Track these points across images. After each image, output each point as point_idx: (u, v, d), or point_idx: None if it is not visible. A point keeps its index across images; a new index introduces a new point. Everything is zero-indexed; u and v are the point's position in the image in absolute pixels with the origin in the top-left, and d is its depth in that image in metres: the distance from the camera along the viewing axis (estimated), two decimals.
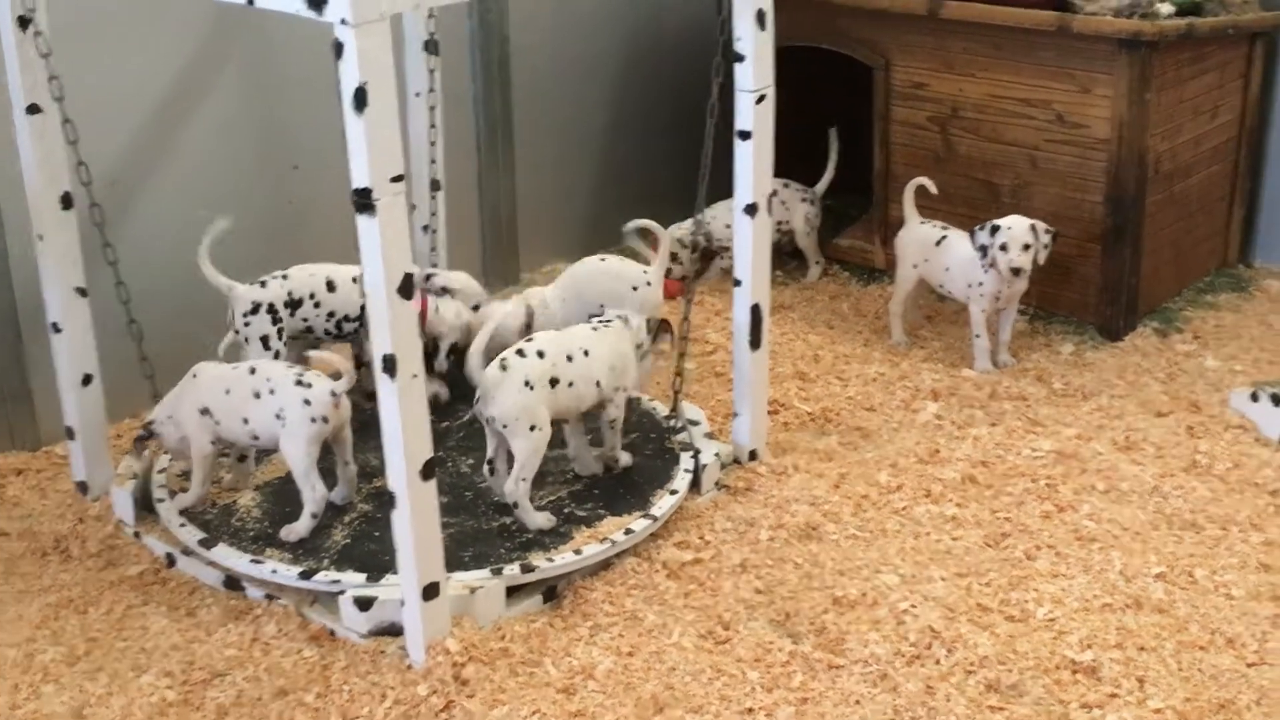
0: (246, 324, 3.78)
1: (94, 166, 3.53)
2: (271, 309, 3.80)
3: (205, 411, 3.43)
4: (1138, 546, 3.49)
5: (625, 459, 3.72)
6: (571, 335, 3.58)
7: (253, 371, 3.45)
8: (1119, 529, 3.57)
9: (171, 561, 3.48)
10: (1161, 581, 3.33)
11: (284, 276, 3.88)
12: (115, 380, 3.76)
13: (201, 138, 4.25)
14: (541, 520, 3.43)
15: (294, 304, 3.86)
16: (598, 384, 3.54)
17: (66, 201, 3.50)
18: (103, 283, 3.63)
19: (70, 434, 3.70)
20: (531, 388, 3.37)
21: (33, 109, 3.39)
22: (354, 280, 3.84)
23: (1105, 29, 4.38)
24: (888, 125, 5.05)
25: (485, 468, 3.53)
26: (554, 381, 3.42)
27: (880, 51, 4.95)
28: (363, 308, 3.69)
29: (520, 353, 3.43)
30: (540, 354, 3.43)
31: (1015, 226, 4.29)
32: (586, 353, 3.52)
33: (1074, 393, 4.34)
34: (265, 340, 3.78)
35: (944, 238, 4.53)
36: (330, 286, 3.90)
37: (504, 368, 3.39)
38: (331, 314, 3.92)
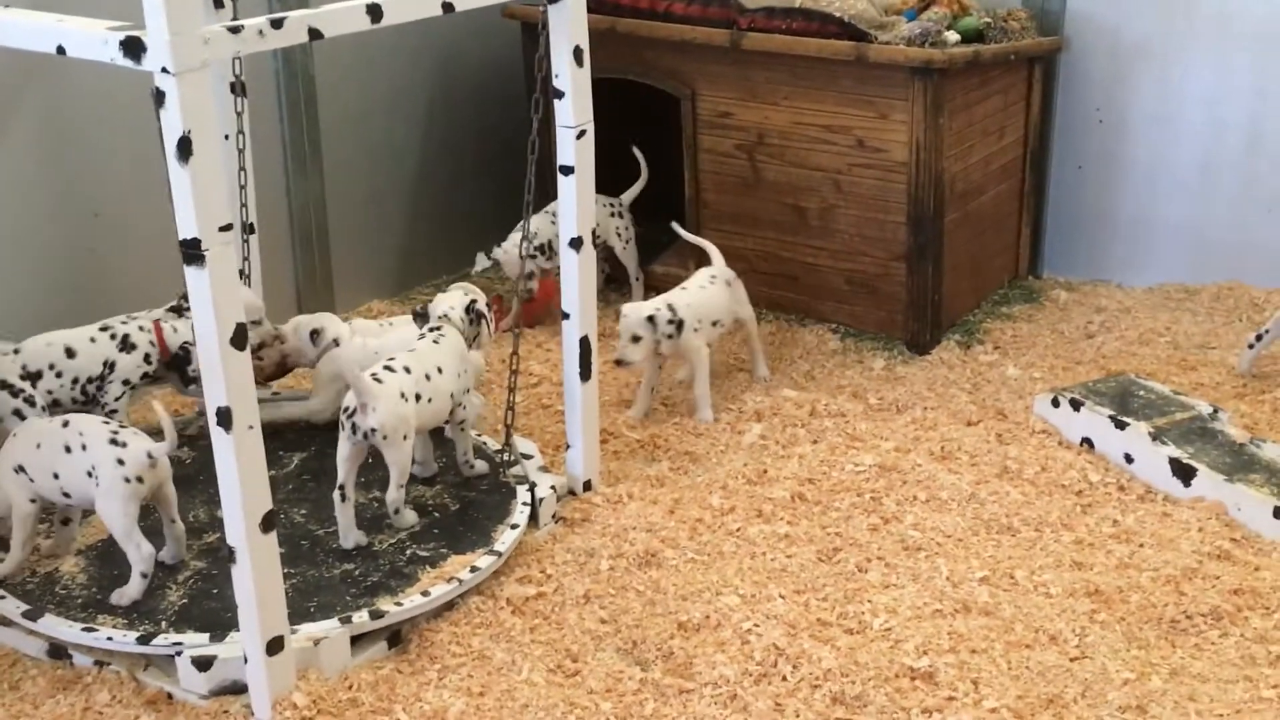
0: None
1: None
2: (5, 385, 3.66)
3: (20, 469, 3.29)
4: (961, 552, 3.65)
5: (480, 466, 3.86)
6: (425, 353, 3.64)
7: (65, 425, 3.31)
8: (942, 536, 3.72)
9: None
10: (985, 585, 3.49)
11: (15, 351, 3.74)
12: None
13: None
14: (412, 518, 3.61)
15: (31, 376, 3.72)
16: (451, 395, 3.66)
17: None
18: None
19: None
20: (405, 399, 3.47)
21: None
22: (91, 340, 3.78)
23: (899, 58, 4.58)
24: (696, 153, 5.16)
25: (336, 493, 3.49)
26: (418, 397, 3.52)
27: (686, 82, 5.06)
28: (105, 364, 3.77)
29: (389, 368, 3.52)
30: (407, 369, 3.53)
31: (630, 315, 4.28)
32: (440, 370, 3.62)
33: (889, 407, 4.50)
34: (18, 414, 3.64)
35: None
36: (70, 353, 3.78)
37: (379, 380, 3.44)
38: (75, 380, 3.79)
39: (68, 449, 3.27)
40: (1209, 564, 3.55)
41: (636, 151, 5.16)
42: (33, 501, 3.32)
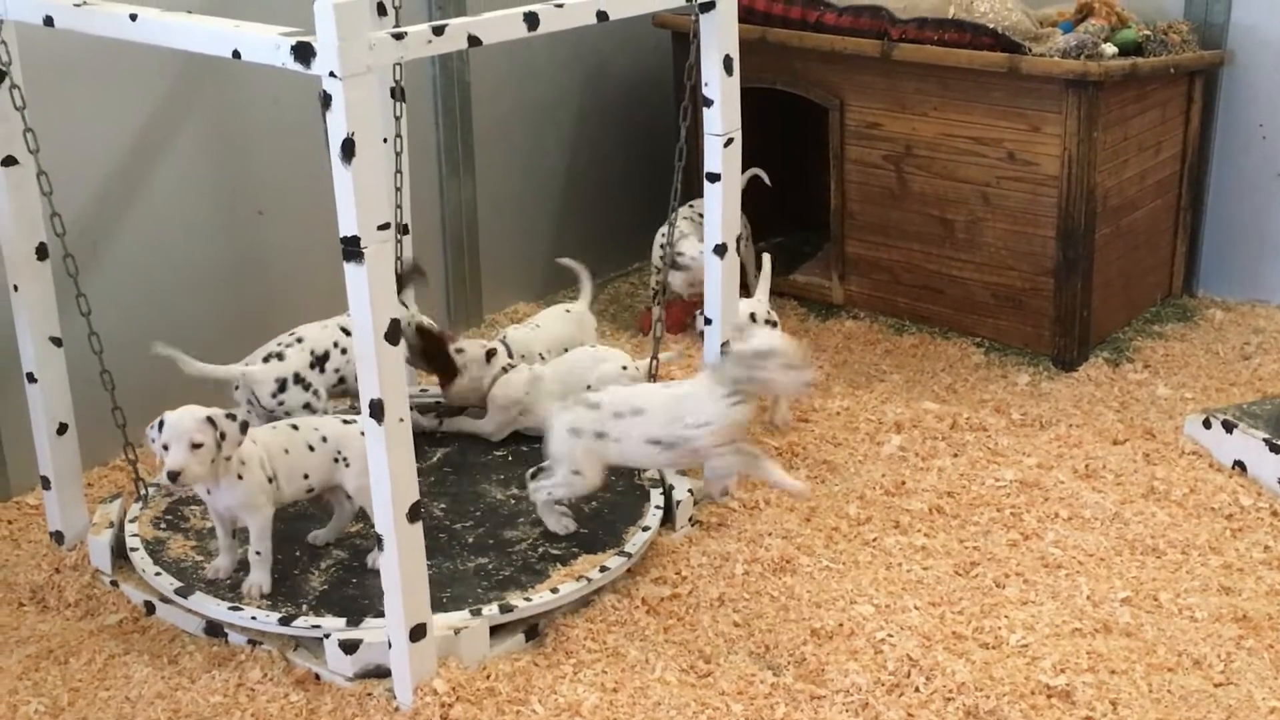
0: (280, 403, 3.81)
1: (66, 217, 3.54)
2: (299, 378, 3.83)
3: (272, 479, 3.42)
4: (1103, 572, 3.59)
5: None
6: (632, 392, 3.68)
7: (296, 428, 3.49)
8: (1084, 555, 3.67)
9: (151, 609, 3.48)
10: (1128, 606, 3.43)
11: (298, 340, 3.89)
12: (86, 429, 3.75)
13: (169, 186, 4.27)
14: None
15: (320, 360, 3.87)
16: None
17: (41, 252, 3.51)
18: (76, 332, 3.63)
19: (46, 483, 3.69)
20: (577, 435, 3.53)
21: (8, 161, 3.39)
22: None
23: (1053, 70, 4.52)
24: (843, 164, 5.15)
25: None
26: (599, 435, 3.54)
27: (835, 92, 5.07)
28: None
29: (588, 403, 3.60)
30: (596, 405, 3.55)
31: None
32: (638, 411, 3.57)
33: (1032, 423, 4.44)
34: (308, 408, 3.82)
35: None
36: (348, 332, 3.87)
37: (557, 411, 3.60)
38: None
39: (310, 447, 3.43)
40: None
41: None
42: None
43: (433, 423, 4.21)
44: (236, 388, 3.84)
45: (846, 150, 5.13)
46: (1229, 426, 4.13)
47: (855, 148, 5.10)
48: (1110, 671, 3.16)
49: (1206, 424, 4.21)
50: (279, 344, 3.88)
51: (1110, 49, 4.66)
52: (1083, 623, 3.36)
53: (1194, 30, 5.07)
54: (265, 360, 3.83)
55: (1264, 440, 4.00)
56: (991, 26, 4.64)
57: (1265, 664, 3.18)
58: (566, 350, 4.34)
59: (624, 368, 4.12)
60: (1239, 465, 4.09)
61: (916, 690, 3.11)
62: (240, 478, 3.28)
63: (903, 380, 4.78)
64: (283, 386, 3.80)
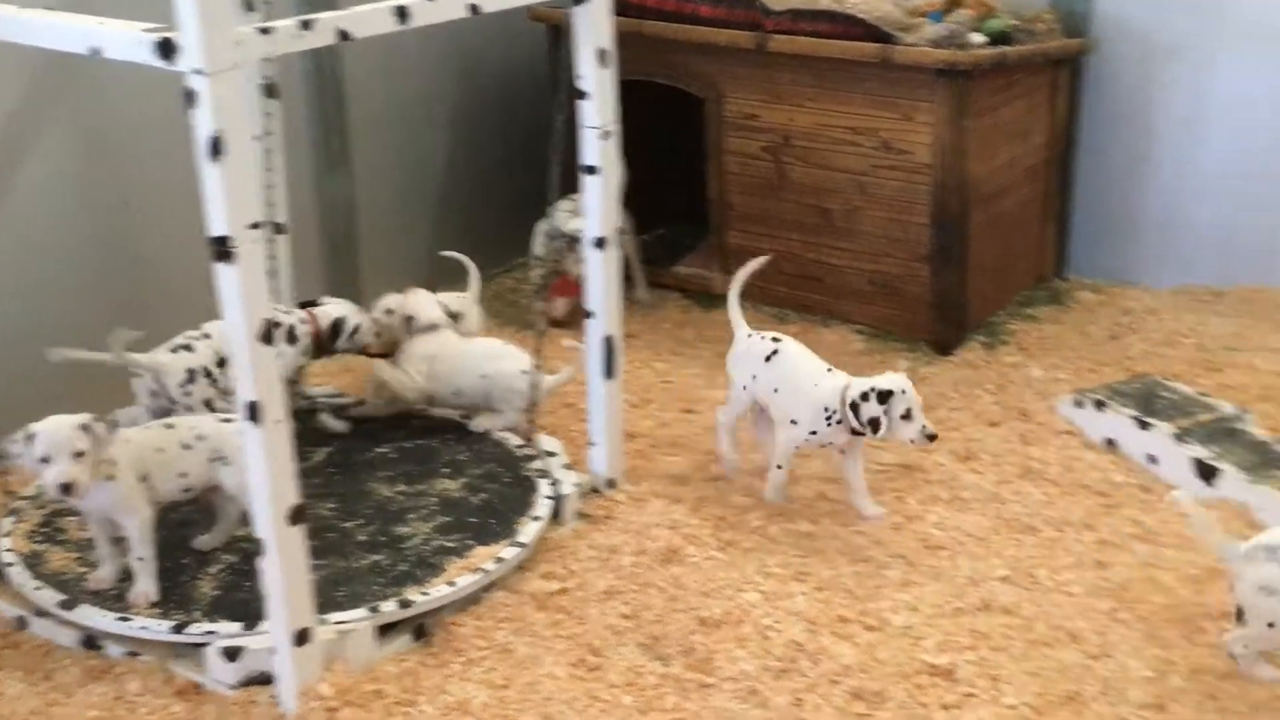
0: (187, 394, 3.72)
1: None
2: (208, 373, 3.76)
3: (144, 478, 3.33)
4: (982, 551, 3.66)
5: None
6: None
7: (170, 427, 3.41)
8: (964, 535, 3.74)
9: (23, 625, 3.38)
10: (1007, 584, 3.50)
11: (206, 336, 3.82)
12: None
13: (32, 184, 4.14)
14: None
15: (225, 360, 3.77)
16: None
17: None
18: None
19: None
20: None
21: None
22: None
23: (924, 59, 4.60)
24: (721, 155, 5.18)
25: None
26: None
27: (712, 84, 5.09)
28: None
29: None
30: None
31: (900, 384, 3.66)
32: None
33: None
34: (209, 404, 3.74)
35: (775, 352, 3.94)
36: None
37: None
38: None
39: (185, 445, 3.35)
40: None
41: None
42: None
43: (340, 424, 4.15)
44: (138, 377, 3.76)
45: (725, 142, 5.16)
46: (1100, 405, 4.24)
47: (733, 139, 5.14)
48: (991, 648, 3.23)
49: (1079, 404, 4.32)
50: (187, 338, 3.82)
51: (979, 38, 4.75)
52: (964, 602, 3.43)
53: (1059, 19, 5.19)
54: (174, 351, 3.77)
55: (1133, 418, 4.12)
56: (863, 17, 4.70)
57: (1138, 635, 3.27)
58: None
59: (523, 371, 4.10)
60: (1110, 443, 4.20)
61: (803, 674, 3.14)
62: (110, 479, 3.20)
63: None
64: (191, 378, 3.73)
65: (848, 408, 3.67)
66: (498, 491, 3.79)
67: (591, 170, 3.66)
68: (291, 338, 4.00)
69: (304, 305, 4.16)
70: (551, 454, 3.98)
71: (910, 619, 3.35)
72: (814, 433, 3.76)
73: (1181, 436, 4.00)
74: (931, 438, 3.64)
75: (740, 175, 5.18)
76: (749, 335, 4.04)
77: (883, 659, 3.19)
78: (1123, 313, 5.25)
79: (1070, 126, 5.44)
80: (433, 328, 4.24)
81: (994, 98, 4.85)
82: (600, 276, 3.76)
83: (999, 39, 4.84)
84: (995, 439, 4.28)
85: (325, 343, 4.12)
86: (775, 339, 3.97)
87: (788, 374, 3.86)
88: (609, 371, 3.85)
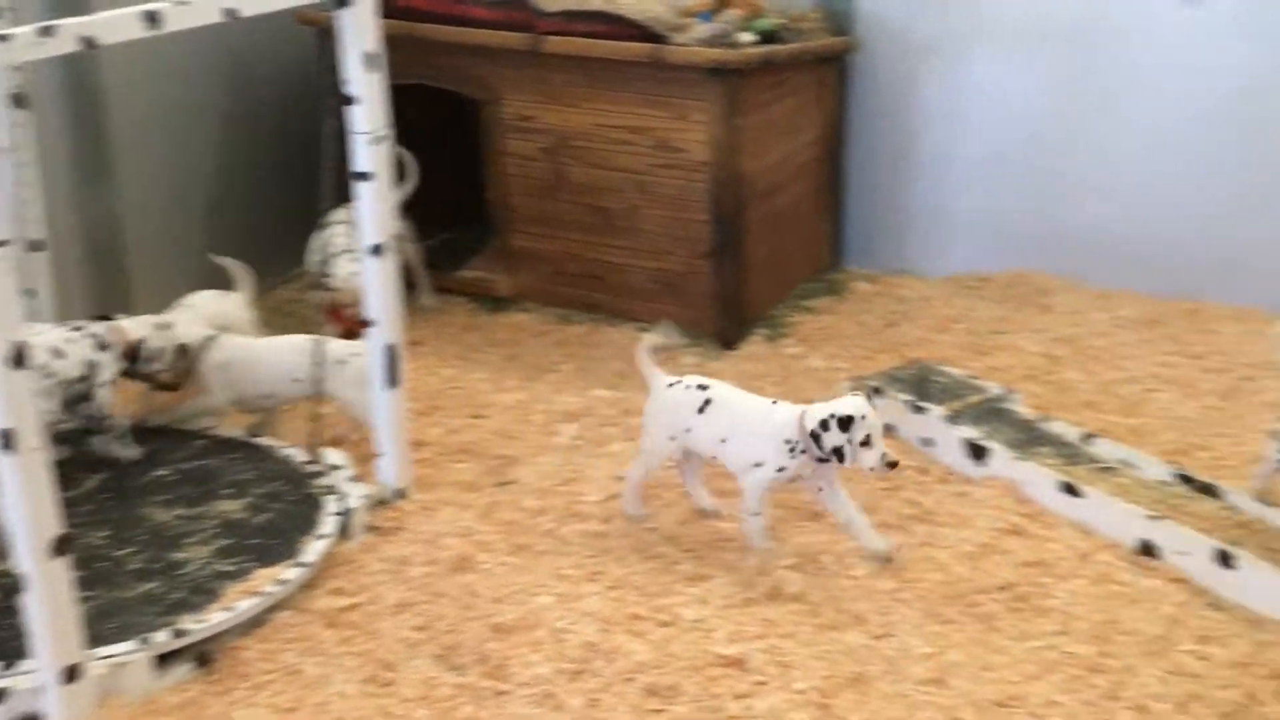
0: None
1: None
2: None
3: None
4: (770, 540, 3.73)
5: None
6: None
7: None
8: None
9: None
10: (794, 571, 3.57)
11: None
12: None
13: None
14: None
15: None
16: None
17: None
18: None
19: None
20: None
21: None
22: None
23: (695, 59, 4.66)
24: (501, 157, 5.16)
25: None
26: None
27: (488, 87, 5.06)
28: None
29: None
30: None
31: (860, 409, 3.46)
32: None
33: None
34: None
35: (708, 401, 3.66)
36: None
37: None
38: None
39: None
40: (1003, 539, 3.70)
41: (404, 152, 5.03)
42: None
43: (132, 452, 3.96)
44: None
45: (503, 144, 5.14)
46: (877, 391, 4.37)
47: (512, 141, 5.12)
48: (780, 636, 3.29)
49: (856, 391, 4.44)
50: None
51: (748, 37, 4.85)
52: (754, 592, 3.49)
53: (824, 18, 5.34)
54: None
55: (908, 402, 4.26)
56: (634, 18, 4.74)
57: (918, 614, 3.38)
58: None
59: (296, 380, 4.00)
60: (889, 428, 4.32)
61: (597, 675, 3.15)
62: None
63: (574, 370, 4.83)
64: None
65: (809, 437, 3.47)
66: (282, 510, 3.69)
67: (364, 176, 3.59)
68: (102, 345, 3.83)
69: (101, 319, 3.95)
70: (338, 467, 3.89)
71: (701, 612, 3.39)
72: (782, 469, 3.52)
73: (953, 419, 4.15)
74: (892, 465, 3.45)
75: (520, 177, 5.16)
76: (670, 385, 3.72)
77: (676, 653, 3.22)
78: (897, 301, 5.42)
79: (839, 123, 5.59)
80: (210, 339, 4.09)
81: (765, 95, 4.95)
82: (378, 283, 3.69)
83: (768, 38, 4.94)
84: None
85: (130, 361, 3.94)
86: (702, 386, 3.68)
87: (733, 420, 3.60)
88: (391, 380, 3.79)
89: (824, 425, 3.44)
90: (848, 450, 3.42)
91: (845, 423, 3.42)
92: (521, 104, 5.04)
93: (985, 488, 3.96)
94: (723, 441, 3.61)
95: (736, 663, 3.18)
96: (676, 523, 3.82)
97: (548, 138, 5.04)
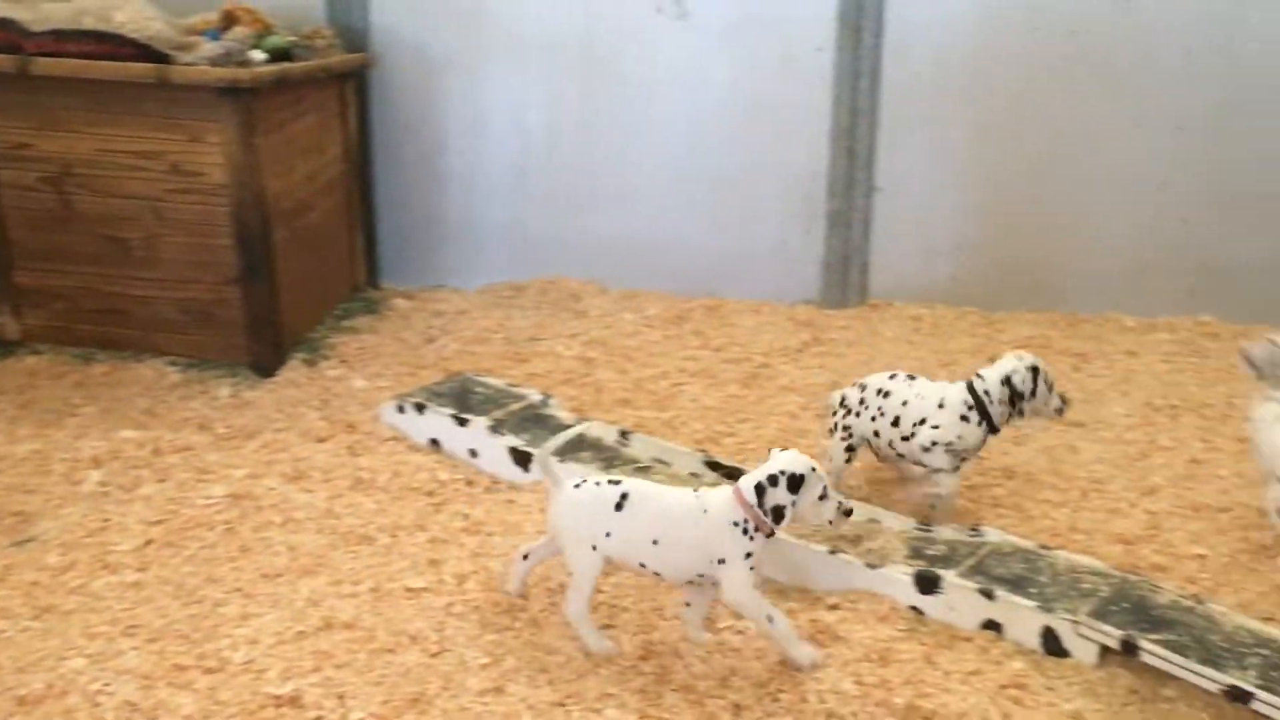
0: None
1: None
2: None
3: None
4: (321, 570, 3.64)
5: None
6: None
7: None
8: (302, 557, 3.70)
9: None
10: (347, 599, 3.50)
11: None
12: None
13: None
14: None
15: None
16: None
17: None
18: None
19: None
20: None
21: None
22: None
23: (205, 78, 4.48)
24: None
25: None
26: None
27: None
28: None
29: None
30: None
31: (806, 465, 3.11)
32: None
33: (238, 434, 4.40)
34: None
35: (625, 496, 3.18)
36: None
37: None
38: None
39: None
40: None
41: None
42: None
43: None
44: None
45: None
46: (420, 408, 4.36)
47: (7, 171, 4.73)
48: (335, 666, 3.21)
49: (401, 409, 4.42)
50: None
51: (260, 55, 4.72)
52: (306, 625, 3.38)
53: (338, 34, 5.28)
54: None
55: (451, 416, 4.28)
56: (133, 37, 4.50)
57: (474, 626, 3.39)
58: None
59: None
60: (434, 443, 4.33)
61: None
62: None
63: (97, 412, 4.53)
64: None
65: (754, 508, 3.08)
66: None
67: None
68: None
69: None
70: None
71: (251, 652, 3.25)
72: (749, 555, 3.10)
73: (496, 428, 4.21)
74: (848, 513, 3.14)
75: (21, 209, 4.78)
76: (578, 485, 3.24)
77: (225, 700, 3.07)
78: (435, 315, 5.44)
79: (364, 139, 5.55)
80: None
81: (282, 114, 4.83)
82: None
83: (280, 55, 4.83)
84: (324, 455, 4.27)
85: None
86: (614, 481, 3.22)
87: (660, 513, 3.15)
88: None
89: (772, 480, 3.07)
90: (788, 512, 3.07)
91: (795, 482, 3.07)
92: (14, 130, 4.67)
93: (531, 493, 4.03)
94: (655, 543, 3.14)
95: (291, 700, 3.08)
96: (223, 560, 3.65)
97: (48, 166, 4.70)
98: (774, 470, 3.08)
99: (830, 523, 3.14)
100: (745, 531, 3.09)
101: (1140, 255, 5.56)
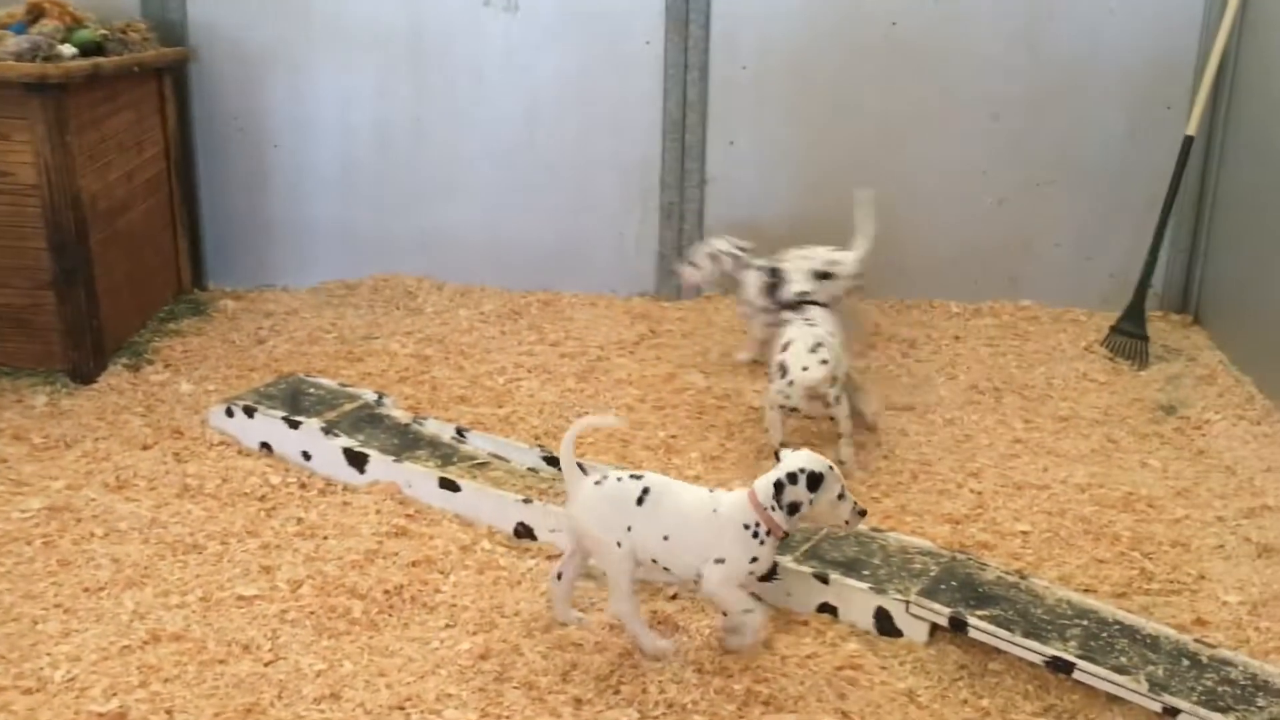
0: None
1: None
2: None
3: None
4: (148, 581, 3.52)
5: None
6: None
7: None
8: (127, 569, 3.58)
9: None
10: (174, 610, 3.40)
11: None
12: None
13: None
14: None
15: None
16: None
17: None
18: None
19: None
20: None
21: None
22: None
23: (10, 74, 4.30)
24: None
25: None
26: None
27: None
28: None
29: None
30: None
31: (821, 463, 3.11)
32: None
33: (56, 444, 4.24)
34: None
35: (646, 490, 3.14)
36: None
37: None
38: None
39: None
40: (389, 542, 3.73)
41: None
42: None
43: None
44: None
45: None
46: (250, 411, 4.25)
47: None
48: (163, 680, 3.11)
49: (230, 413, 4.31)
50: None
51: (69, 50, 4.54)
52: (131, 639, 3.27)
53: (153, 28, 5.11)
54: None
55: (283, 418, 4.18)
56: None
57: (309, 632, 3.32)
58: None
59: None
60: (265, 446, 4.23)
61: None
62: None
63: None
64: None
65: (767, 512, 3.06)
66: None
67: None
68: None
69: None
70: None
71: (72, 670, 3.13)
72: (755, 560, 3.08)
73: (329, 429, 4.13)
74: (862, 513, 3.14)
75: None
76: (598, 481, 3.16)
77: None
78: (265, 316, 5.32)
79: (185, 136, 5.39)
80: None
81: (96, 110, 4.66)
82: None
83: (92, 50, 4.65)
84: (150, 462, 4.14)
85: None
86: (635, 476, 3.16)
87: (675, 510, 3.11)
88: None
89: (792, 478, 3.05)
90: (804, 509, 3.05)
91: (815, 480, 3.05)
92: None
93: (367, 494, 3.97)
94: (665, 539, 3.10)
95: (117, 718, 2.97)
96: (44, 577, 3.51)
97: None
98: (793, 468, 3.06)
99: (846, 523, 3.13)
100: (755, 535, 3.06)
101: (964, 242, 5.72)
